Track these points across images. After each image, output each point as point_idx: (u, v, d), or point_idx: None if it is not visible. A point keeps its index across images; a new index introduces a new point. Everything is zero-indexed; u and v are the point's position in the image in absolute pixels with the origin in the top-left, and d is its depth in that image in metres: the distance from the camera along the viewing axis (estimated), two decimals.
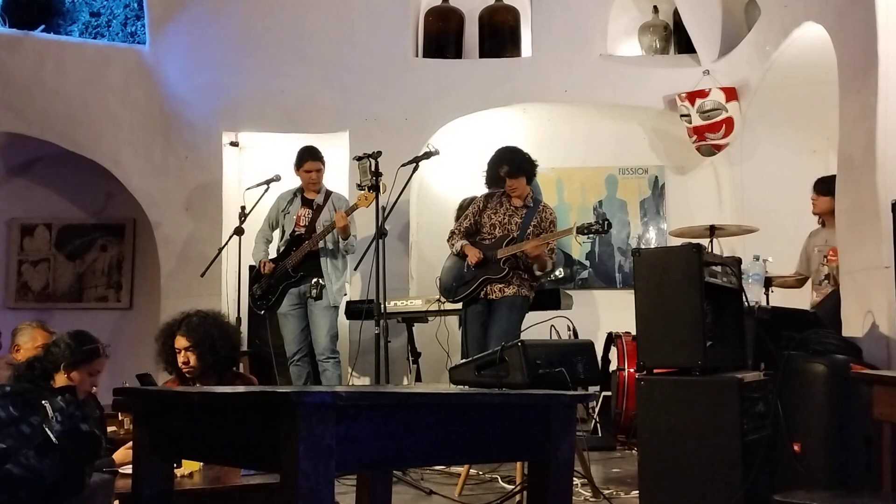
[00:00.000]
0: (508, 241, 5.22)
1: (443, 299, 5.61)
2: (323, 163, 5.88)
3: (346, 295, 5.95)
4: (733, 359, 3.56)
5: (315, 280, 5.62)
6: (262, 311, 5.87)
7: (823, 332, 3.73)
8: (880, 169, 3.99)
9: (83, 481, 2.50)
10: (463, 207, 6.20)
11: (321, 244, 5.68)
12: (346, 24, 6.92)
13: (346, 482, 3.39)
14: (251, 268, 6.50)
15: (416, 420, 1.75)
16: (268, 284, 5.77)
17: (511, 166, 5.29)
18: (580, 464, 3.86)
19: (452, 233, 5.49)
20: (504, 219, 5.33)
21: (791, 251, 5.68)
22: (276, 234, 6.02)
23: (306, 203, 5.87)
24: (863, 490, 3.17)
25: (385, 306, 4.85)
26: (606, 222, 4.99)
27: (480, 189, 6.97)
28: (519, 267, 5.22)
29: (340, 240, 5.66)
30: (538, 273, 5.27)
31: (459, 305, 5.62)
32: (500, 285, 5.19)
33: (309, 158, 5.81)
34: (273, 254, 5.95)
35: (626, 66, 6.93)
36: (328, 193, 5.90)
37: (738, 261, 3.80)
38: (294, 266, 5.69)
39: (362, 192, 5.17)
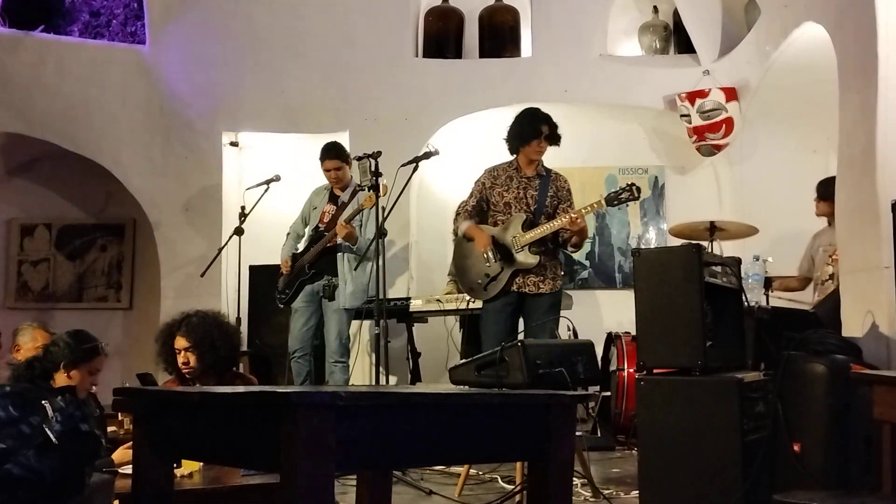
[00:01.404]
0: (527, 222, 4.72)
1: (458, 297, 5.44)
2: (343, 159, 5.71)
3: (363, 300, 5.53)
4: (733, 359, 3.56)
5: (328, 279, 5.56)
6: (282, 306, 5.81)
7: (823, 332, 3.73)
8: (880, 169, 4.00)
9: (83, 481, 2.50)
10: None
11: (339, 241, 5.54)
12: (345, 24, 6.93)
13: (347, 482, 3.40)
14: (251, 267, 6.51)
15: (416, 420, 1.75)
16: (287, 279, 5.74)
17: (552, 128, 4.83)
18: (580, 464, 3.86)
19: (458, 214, 4.91)
20: (519, 194, 4.80)
21: (791, 251, 5.68)
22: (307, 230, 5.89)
23: (332, 199, 5.79)
24: (863, 490, 3.17)
25: (385, 306, 4.84)
26: (635, 187, 4.58)
27: None
28: (547, 252, 4.73)
29: (350, 246, 5.49)
30: (570, 250, 4.85)
31: (461, 305, 5.61)
32: (535, 279, 4.70)
33: (325, 157, 5.69)
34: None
35: (626, 66, 6.93)
36: (356, 189, 5.63)
37: (738, 261, 3.80)
38: (310, 263, 5.64)
39: (368, 193, 5.12)
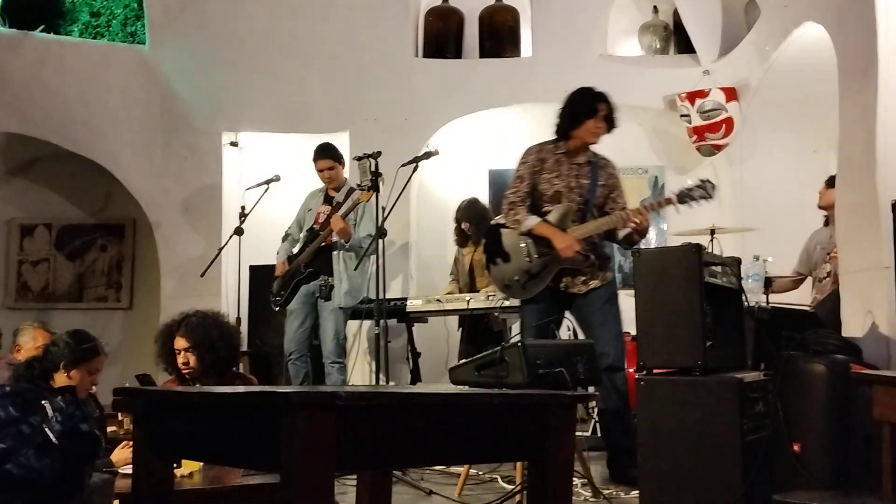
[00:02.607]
0: (578, 214, 4.30)
1: (494, 297, 5.22)
2: (336, 159, 5.72)
3: (358, 300, 5.52)
4: (733, 359, 3.56)
5: (325, 279, 5.54)
6: (277, 308, 5.79)
7: (823, 332, 3.73)
8: (880, 169, 4.00)
9: (83, 481, 2.50)
10: (461, 209, 6.16)
11: (334, 238, 5.51)
12: (346, 24, 6.92)
13: (347, 482, 3.40)
14: (251, 267, 6.51)
15: (416, 420, 1.75)
16: (283, 281, 5.73)
17: (611, 109, 4.30)
18: (580, 464, 3.86)
19: (513, 203, 4.29)
20: (570, 182, 4.31)
21: (791, 251, 5.68)
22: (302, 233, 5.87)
23: (328, 200, 5.77)
24: (863, 490, 3.17)
25: (384, 306, 4.84)
26: (709, 183, 4.18)
27: (478, 190, 6.97)
28: (597, 247, 4.31)
29: (344, 243, 5.45)
30: (625, 247, 4.45)
31: (461, 305, 5.60)
32: (584, 278, 4.27)
33: (318, 157, 5.70)
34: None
35: (626, 66, 6.93)
36: (351, 190, 5.63)
37: (738, 261, 3.80)
38: (305, 263, 5.61)
39: (364, 190, 5.11)
